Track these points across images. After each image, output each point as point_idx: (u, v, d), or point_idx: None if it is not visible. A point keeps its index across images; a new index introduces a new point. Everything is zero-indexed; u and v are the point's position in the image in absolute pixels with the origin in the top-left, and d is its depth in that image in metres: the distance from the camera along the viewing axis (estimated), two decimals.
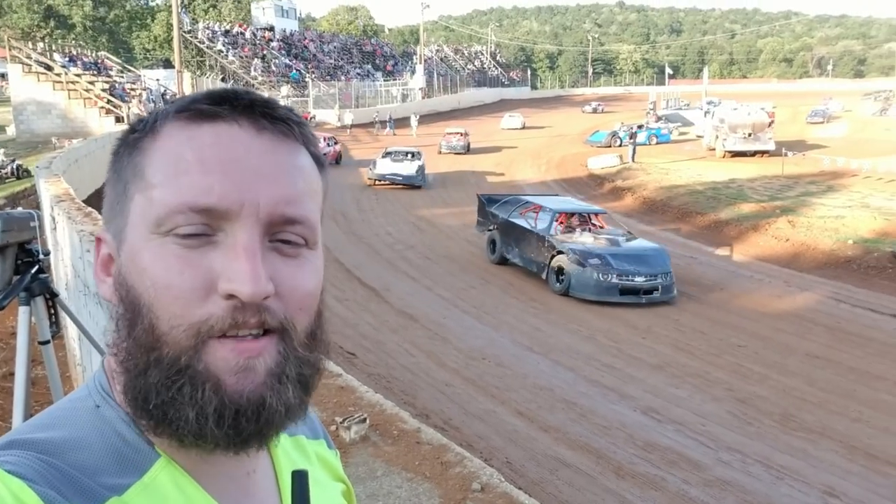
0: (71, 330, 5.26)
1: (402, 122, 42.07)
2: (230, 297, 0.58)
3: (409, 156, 25.99)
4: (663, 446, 7.37)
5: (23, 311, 2.84)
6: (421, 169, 24.78)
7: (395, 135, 39.56)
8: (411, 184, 24.25)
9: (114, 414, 0.62)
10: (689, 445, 7.44)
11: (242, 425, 0.59)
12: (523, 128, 46.20)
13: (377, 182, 24.52)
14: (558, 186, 25.47)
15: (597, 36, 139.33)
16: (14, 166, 23.89)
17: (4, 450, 0.57)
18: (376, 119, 42.68)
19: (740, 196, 21.13)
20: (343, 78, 52.61)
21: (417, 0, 57.97)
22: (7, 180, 23.02)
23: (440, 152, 32.40)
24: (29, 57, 32.61)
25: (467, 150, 33.68)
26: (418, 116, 43.06)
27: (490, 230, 15.46)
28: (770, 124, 30.09)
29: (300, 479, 0.69)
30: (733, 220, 18.71)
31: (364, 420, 4.04)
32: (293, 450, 0.77)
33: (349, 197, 22.35)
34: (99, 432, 0.61)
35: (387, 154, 26.16)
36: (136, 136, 0.64)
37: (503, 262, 14.88)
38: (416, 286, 13.36)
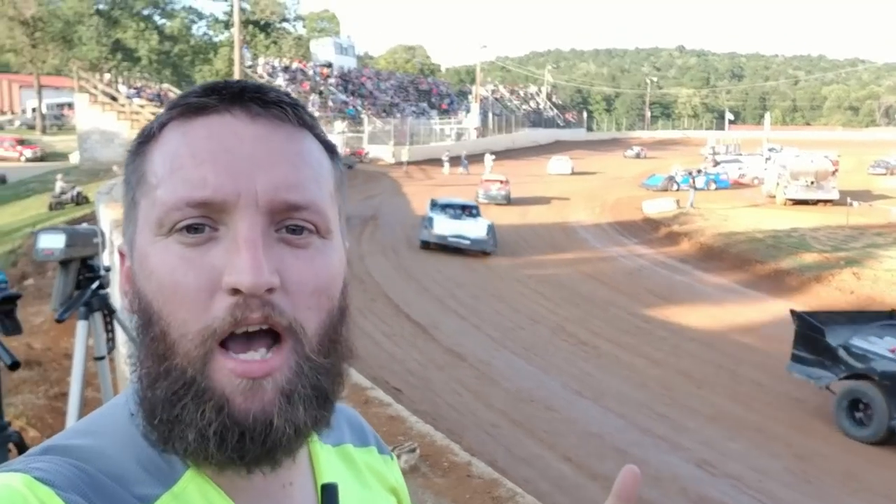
0: (122, 349, 5.33)
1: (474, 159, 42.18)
2: (234, 291, 0.55)
3: (468, 211, 21.56)
4: (717, 501, 7.07)
5: (81, 325, 2.88)
6: (491, 229, 20.32)
7: (469, 174, 38.29)
8: (482, 249, 19.68)
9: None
10: (743, 502, 7.13)
11: (247, 447, 0.56)
12: (572, 173, 41.92)
13: (432, 245, 19.85)
14: (612, 230, 25.18)
15: (655, 79, 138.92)
16: (74, 193, 24.82)
17: (41, 455, 0.56)
18: (446, 158, 40.96)
19: (802, 245, 20.52)
20: (398, 115, 53.37)
21: (475, 40, 58.74)
22: (67, 206, 23.90)
23: (477, 201, 26.65)
24: (95, 87, 34.13)
25: (508, 200, 29.07)
26: (493, 156, 41.57)
27: (844, 377, 9.20)
28: (834, 173, 29.33)
29: (330, 493, 0.66)
30: (795, 270, 18.14)
31: (414, 450, 3.97)
32: (339, 460, 0.74)
33: (400, 233, 22.47)
34: (132, 440, 0.59)
35: (438, 206, 21.46)
36: (140, 143, 0.63)
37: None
38: (465, 324, 13.26)
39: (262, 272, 0.55)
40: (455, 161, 41.12)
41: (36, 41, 44.67)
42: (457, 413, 8.86)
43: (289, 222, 0.59)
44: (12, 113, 65.72)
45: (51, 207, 24.28)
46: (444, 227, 20.00)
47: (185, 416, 0.56)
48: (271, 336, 0.58)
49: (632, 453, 8.07)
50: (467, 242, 19.52)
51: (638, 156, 56.78)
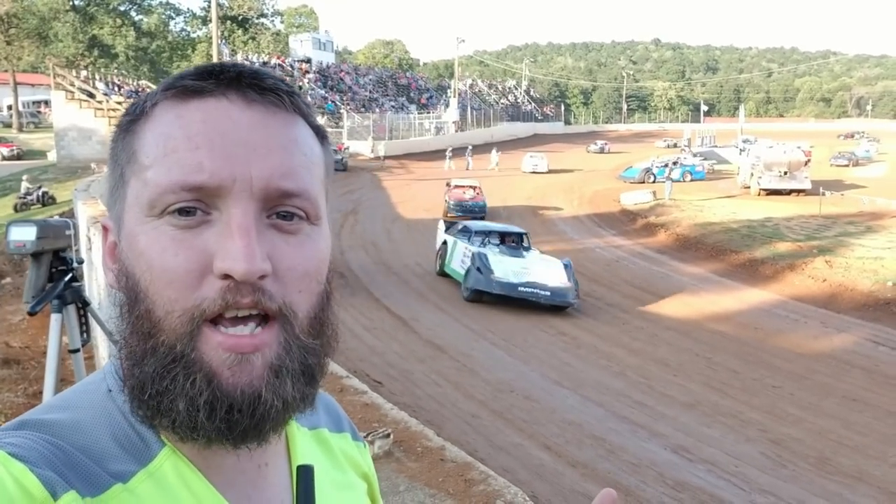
0: (100, 343, 5.32)
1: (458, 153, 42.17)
2: (225, 276, 0.56)
3: (518, 241, 16.07)
4: (694, 486, 7.18)
5: (55, 318, 2.86)
6: (569, 270, 14.33)
7: (468, 168, 37.99)
8: (565, 303, 13.85)
9: (124, 399, 0.61)
10: (721, 486, 7.24)
11: (235, 419, 0.57)
12: (549, 172, 38.67)
13: (473, 294, 14.23)
14: (590, 221, 25.35)
15: (632, 73, 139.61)
16: (39, 193, 24.36)
17: (15, 430, 0.57)
18: (450, 152, 40.04)
19: (776, 235, 20.83)
20: (377, 110, 53.26)
21: (453, 35, 58.87)
22: (33, 207, 23.48)
23: (446, 215, 22.77)
24: (72, 84, 33.68)
25: (484, 213, 23.89)
26: (499, 150, 40.85)
27: None
28: (807, 163, 29.74)
29: (305, 475, 0.66)
30: (769, 259, 18.42)
31: (388, 435, 4.02)
32: (314, 444, 0.75)
33: (380, 227, 22.47)
34: (108, 417, 0.60)
35: (473, 234, 15.84)
36: (130, 120, 0.63)
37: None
38: (445, 317, 13.31)
39: (255, 259, 0.56)
40: (458, 153, 40.37)
41: (11, 38, 43.97)
42: (437, 404, 8.92)
43: (280, 209, 0.60)
44: None
45: (16, 209, 23.66)
46: (506, 269, 14.12)
47: (174, 387, 0.56)
48: (261, 317, 0.58)
49: (610, 440, 8.19)
50: (546, 294, 13.75)
51: (602, 150, 55.73)
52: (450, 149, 40.72)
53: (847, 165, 43.19)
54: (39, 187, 25.23)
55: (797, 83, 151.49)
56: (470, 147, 41.80)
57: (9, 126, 51.93)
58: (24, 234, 2.76)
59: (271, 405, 0.58)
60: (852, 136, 66.64)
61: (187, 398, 0.56)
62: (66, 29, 43.60)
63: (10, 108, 54.56)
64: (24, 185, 25.15)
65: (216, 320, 0.57)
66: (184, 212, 0.57)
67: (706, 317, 14.05)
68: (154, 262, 0.57)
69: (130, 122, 0.62)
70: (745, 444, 8.37)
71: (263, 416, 0.58)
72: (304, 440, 0.73)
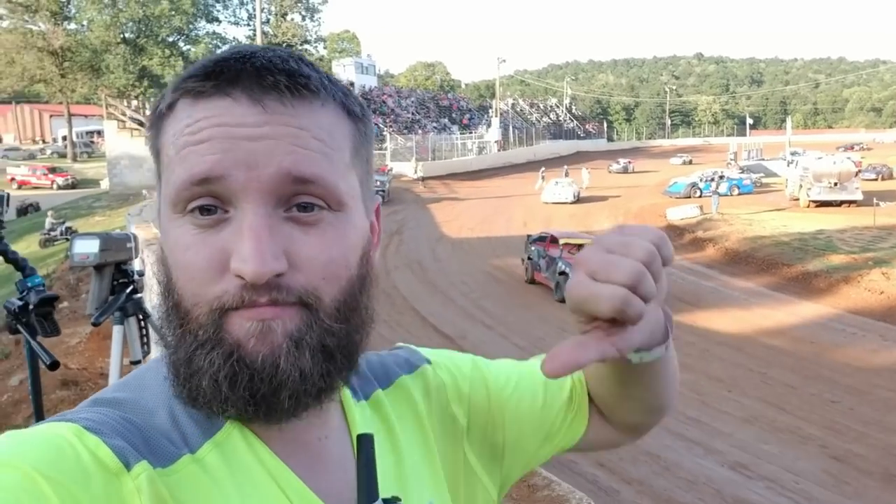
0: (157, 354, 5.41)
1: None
2: (239, 277, 0.57)
3: None
4: (754, 503, 7.02)
5: (117, 329, 2.91)
6: None
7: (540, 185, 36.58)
8: None
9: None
10: (781, 503, 7.07)
11: (256, 386, 0.58)
12: (577, 201, 32.42)
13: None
14: None
15: (674, 88, 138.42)
16: (63, 228, 24.46)
17: (90, 407, 0.60)
18: (542, 173, 38.85)
19: (829, 247, 20.31)
20: (420, 131, 53.70)
21: (494, 55, 59.10)
22: (56, 242, 23.57)
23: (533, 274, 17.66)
24: (124, 114, 34.68)
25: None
26: (590, 171, 38.75)
27: None
28: (857, 174, 29.00)
29: (365, 443, 0.66)
30: (822, 272, 17.95)
31: None
32: (371, 411, 0.76)
33: (425, 247, 22.57)
34: (168, 398, 0.62)
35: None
36: (157, 117, 0.63)
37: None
38: (492, 335, 13.29)
39: (264, 261, 0.56)
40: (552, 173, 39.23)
41: (65, 71, 45.56)
42: None
43: (297, 200, 0.59)
44: (43, 142, 67.04)
45: (41, 245, 23.55)
46: None
47: (199, 369, 0.59)
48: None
49: (665, 457, 8.06)
50: None
51: (626, 170, 50.13)
52: (543, 169, 39.99)
53: (875, 179, 39.59)
54: (63, 222, 25.17)
55: (846, 93, 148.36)
56: (566, 167, 40.71)
57: (63, 156, 53.68)
58: (87, 247, 2.82)
59: (289, 375, 0.58)
60: (852, 148, 64.36)
61: (209, 375, 0.58)
62: (117, 61, 45.01)
63: (64, 138, 56.45)
64: (49, 220, 24.90)
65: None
66: (204, 210, 0.59)
67: (759, 331, 13.74)
68: (179, 258, 0.59)
69: (156, 119, 0.63)
70: (805, 460, 8.15)
71: (281, 385, 0.58)
72: (362, 412, 0.74)
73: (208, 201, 0.58)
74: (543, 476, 3.77)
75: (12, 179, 42.23)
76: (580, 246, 14.80)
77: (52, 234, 24.30)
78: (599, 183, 39.79)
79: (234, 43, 52.17)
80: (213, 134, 0.58)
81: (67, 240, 23.90)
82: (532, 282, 17.61)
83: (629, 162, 52.41)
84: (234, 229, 0.58)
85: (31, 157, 56.28)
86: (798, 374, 11.23)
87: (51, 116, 66.91)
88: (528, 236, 19.01)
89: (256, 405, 0.59)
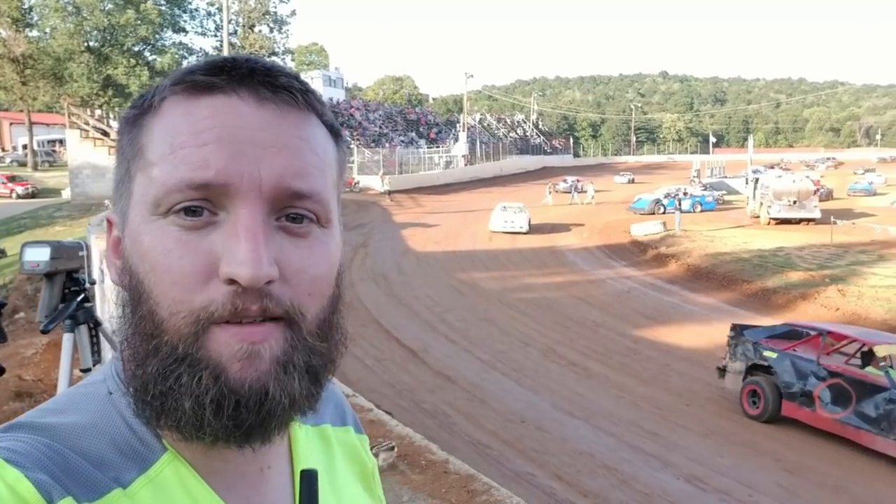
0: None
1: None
2: (231, 281, 0.54)
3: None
4: None
5: (67, 337, 2.89)
6: None
7: (579, 203, 37.65)
8: None
9: (125, 402, 0.59)
10: None
11: (243, 416, 0.55)
12: (528, 233, 27.07)
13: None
14: (601, 253, 25.35)
15: (640, 105, 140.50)
16: None
17: (9, 432, 0.55)
18: (549, 188, 40.67)
19: (788, 264, 20.73)
20: (388, 145, 53.70)
21: (462, 70, 59.40)
22: None
23: None
24: (86, 123, 34.16)
25: None
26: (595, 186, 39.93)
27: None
28: (816, 192, 29.72)
29: (308, 479, 0.64)
30: (781, 288, 18.32)
31: (392, 448, 4.03)
32: (317, 441, 0.74)
33: (390, 260, 22.54)
34: (108, 420, 0.58)
35: None
36: (137, 113, 0.61)
37: None
38: (455, 348, 13.29)
39: (261, 265, 0.54)
40: (572, 189, 40.23)
41: (26, 78, 44.70)
42: (448, 434, 8.88)
43: (289, 210, 0.58)
44: (3, 150, 65.54)
45: None
46: None
47: (179, 386, 0.54)
48: (267, 318, 0.57)
49: (623, 470, 8.12)
50: None
51: (575, 189, 42.95)
52: (550, 184, 41.15)
53: (867, 196, 43.02)
54: None
55: (806, 113, 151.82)
56: (574, 179, 41.72)
57: (24, 165, 52.54)
58: (38, 255, 2.80)
59: (278, 402, 0.56)
60: (813, 168, 67.68)
61: (193, 397, 0.54)
62: (80, 69, 44.27)
63: (25, 147, 55.28)
64: None
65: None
66: (190, 211, 0.55)
67: (719, 346, 13.88)
68: (158, 263, 0.55)
69: (137, 116, 0.60)
70: (759, 473, 8.28)
71: (270, 413, 0.56)
72: (306, 440, 0.72)
73: (197, 203, 0.56)
74: (483, 482, 3.78)
75: None
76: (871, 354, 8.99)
77: None
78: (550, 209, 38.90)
79: (201, 54, 51.82)
80: (218, 135, 0.56)
81: None
82: (765, 416, 9.91)
83: (578, 180, 46.01)
84: (225, 232, 0.55)
85: None
86: None
87: (11, 124, 65.50)
88: (738, 327, 11.34)
89: (239, 434, 0.57)
